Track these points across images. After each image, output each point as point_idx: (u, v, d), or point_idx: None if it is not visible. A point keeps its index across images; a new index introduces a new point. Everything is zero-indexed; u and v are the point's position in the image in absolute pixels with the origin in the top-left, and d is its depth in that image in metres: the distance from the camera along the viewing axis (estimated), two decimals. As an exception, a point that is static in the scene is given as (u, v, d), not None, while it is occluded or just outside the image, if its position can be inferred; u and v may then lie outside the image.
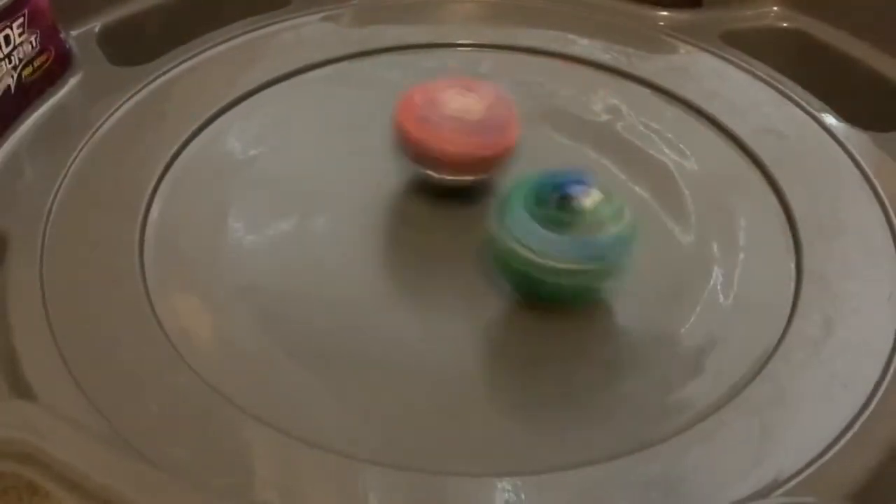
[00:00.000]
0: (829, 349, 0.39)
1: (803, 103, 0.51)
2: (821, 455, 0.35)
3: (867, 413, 0.37)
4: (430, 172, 0.44)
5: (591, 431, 0.37)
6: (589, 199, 0.38)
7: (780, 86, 0.53)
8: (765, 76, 0.53)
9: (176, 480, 0.31)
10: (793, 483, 0.34)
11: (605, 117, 0.51)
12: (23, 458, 0.30)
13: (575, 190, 0.39)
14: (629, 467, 0.35)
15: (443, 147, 0.43)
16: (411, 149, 0.44)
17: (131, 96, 0.51)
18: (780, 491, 0.34)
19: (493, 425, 0.38)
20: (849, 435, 0.36)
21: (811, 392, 0.38)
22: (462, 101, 0.43)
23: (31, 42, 0.50)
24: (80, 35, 0.55)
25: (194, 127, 0.49)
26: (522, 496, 0.35)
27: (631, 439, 0.36)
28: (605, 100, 0.52)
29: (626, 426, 0.37)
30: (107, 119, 0.50)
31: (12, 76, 0.49)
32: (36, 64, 0.50)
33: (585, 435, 0.37)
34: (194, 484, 0.31)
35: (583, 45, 0.54)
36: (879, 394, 0.37)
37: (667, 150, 0.49)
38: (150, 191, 0.46)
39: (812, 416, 0.37)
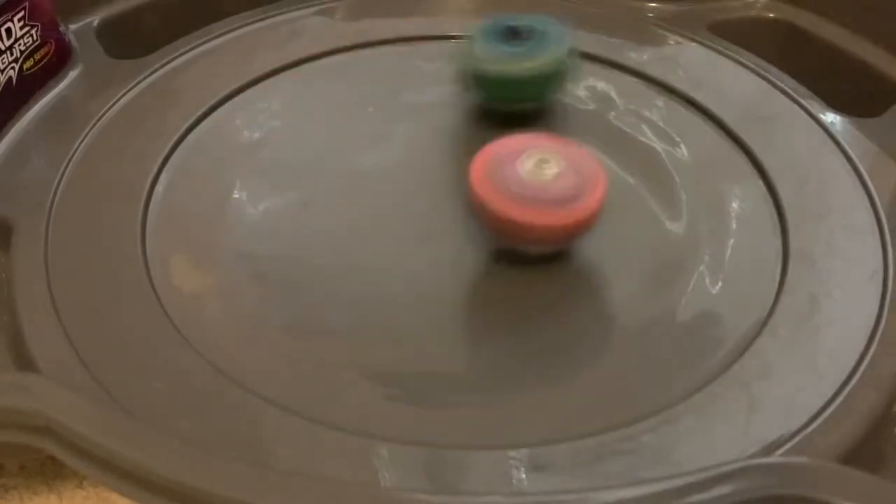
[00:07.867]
0: (814, 324, 0.40)
1: (790, 91, 0.52)
2: (807, 424, 0.36)
3: (852, 383, 0.38)
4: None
5: (586, 406, 0.38)
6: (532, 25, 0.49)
7: (767, 74, 0.54)
8: (752, 65, 0.54)
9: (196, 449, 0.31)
10: (781, 450, 0.35)
11: (594, 105, 0.52)
12: (38, 430, 0.31)
13: (522, 21, 0.49)
14: (623, 437, 0.36)
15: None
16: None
17: (130, 88, 0.52)
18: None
19: (491, 398, 0.39)
20: (834, 405, 0.37)
21: (798, 365, 0.39)
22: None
23: (31, 35, 0.51)
24: (78, 29, 0.55)
25: (193, 118, 0.50)
26: (523, 471, 0.36)
27: (624, 412, 0.37)
28: (595, 89, 0.53)
29: (619, 400, 0.38)
30: (107, 111, 0.50)
31: (14, 68, 0.50)
32: (37, 57, 0.51)
33: (581, 409, 0.38)
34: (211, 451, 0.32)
35: (573, 36, 0.55)
36: (863, 365, 0.38)
37: (656, 138, 0.50)
38: (150, 179, 0.47)
39: (799, 387, 0.38)
